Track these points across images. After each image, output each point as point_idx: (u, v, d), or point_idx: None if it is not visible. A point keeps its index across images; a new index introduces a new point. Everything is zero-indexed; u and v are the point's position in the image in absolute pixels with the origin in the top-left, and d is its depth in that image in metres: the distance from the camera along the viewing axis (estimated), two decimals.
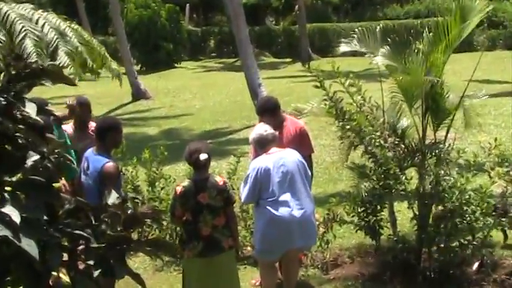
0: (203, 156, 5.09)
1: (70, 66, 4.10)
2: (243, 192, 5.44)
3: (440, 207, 5.93)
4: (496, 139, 6.05)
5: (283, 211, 5.25)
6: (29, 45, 3.66)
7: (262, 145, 5.49)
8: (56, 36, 3.96)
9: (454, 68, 14.24)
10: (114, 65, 5.33)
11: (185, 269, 5.39)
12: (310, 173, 5.66)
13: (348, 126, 6.04)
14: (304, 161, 5.53)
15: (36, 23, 4.14)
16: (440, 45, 5.89)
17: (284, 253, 5.48)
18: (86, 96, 7.07)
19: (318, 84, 6.01)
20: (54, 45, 3.90)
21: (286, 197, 5.28)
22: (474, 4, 5.94)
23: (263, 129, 5.54)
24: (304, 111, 6.66)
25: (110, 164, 5.10)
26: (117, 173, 5.13)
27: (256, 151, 5.63)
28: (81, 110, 6.72)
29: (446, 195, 5.77)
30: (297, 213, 5.27)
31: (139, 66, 28.91)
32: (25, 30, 3.70)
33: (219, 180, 5.21)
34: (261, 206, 5.37)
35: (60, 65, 3.94)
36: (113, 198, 2.66)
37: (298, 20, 31.79)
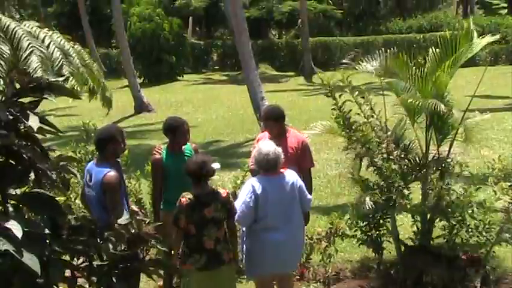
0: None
1: (72, 79, 4.08)
2: (241, 215, 5.19)
3: (443, 222, 5.91)
4: (499, 156, 6.05)
5: (272, 236, 5.16)
6: (34, 61, 3.66)
7: (262, 167, 5.26)
8: (60, 56, 3.98)
9: (456, 83, 14.20)
10: (108, 93, 5.19)
11: (185, 282, 5.35)
12: (309, 196, 5.47)
13: (354, 138, 6.01)
14: (302, 184, 5.40)
15: (43, 41, 4.17)
16: (447, 60, 5.87)
17: (270, 274, 5.44)
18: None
19: (327, 95, 5.99)
20: (60, 64, 3.92)
21: (277, 222, 5.18)
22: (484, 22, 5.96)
23: (269, 149, 5.21)
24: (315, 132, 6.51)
25: (110, 174, 5.07)
26: (118, 183, 5.08)
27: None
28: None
29: (449, 209, 5.76)
30: (286, 240, 5.18)
31: (142, 78, 28.99)
32: (32, 47, 3.72)
33: (223, 192, 5.19)
34: (251, 227, 5.28)
35: (64, 77, 3.93)
36: (123, 218, 2.66)
37: (301, 34, 31.87)
